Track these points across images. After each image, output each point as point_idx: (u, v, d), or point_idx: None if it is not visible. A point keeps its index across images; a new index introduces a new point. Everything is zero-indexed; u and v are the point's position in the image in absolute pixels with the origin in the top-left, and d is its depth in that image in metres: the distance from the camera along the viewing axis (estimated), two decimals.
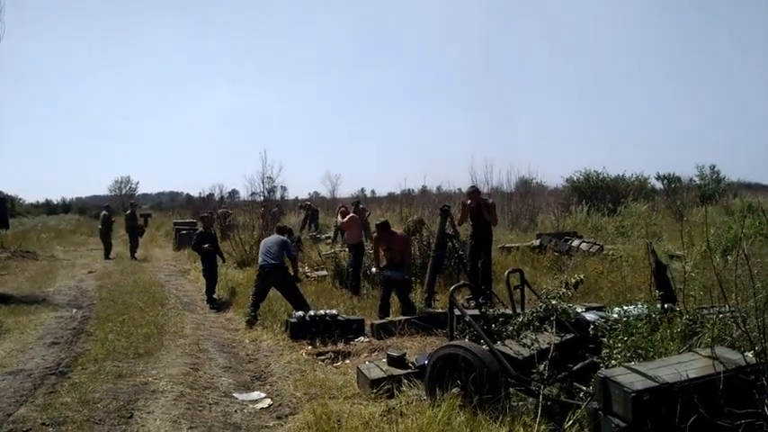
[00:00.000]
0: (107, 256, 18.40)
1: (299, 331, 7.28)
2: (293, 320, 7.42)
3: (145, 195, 76.98)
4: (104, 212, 19.18)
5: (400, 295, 8.17)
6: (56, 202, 62.99)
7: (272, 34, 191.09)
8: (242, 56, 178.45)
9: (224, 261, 11.82)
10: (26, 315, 9.21)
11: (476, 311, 5.63)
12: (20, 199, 54.04)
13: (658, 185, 30.87)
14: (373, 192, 57.76)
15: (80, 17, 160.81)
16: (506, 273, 5.73)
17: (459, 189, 14.20)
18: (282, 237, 9.09)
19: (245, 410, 5.05)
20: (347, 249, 11.27)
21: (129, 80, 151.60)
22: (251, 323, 8.25)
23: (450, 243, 9.12)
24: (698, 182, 31.49)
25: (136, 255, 18.51)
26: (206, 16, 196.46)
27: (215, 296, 10.60)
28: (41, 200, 62.60)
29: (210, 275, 10.63)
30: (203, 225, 11.18)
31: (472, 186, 10.01)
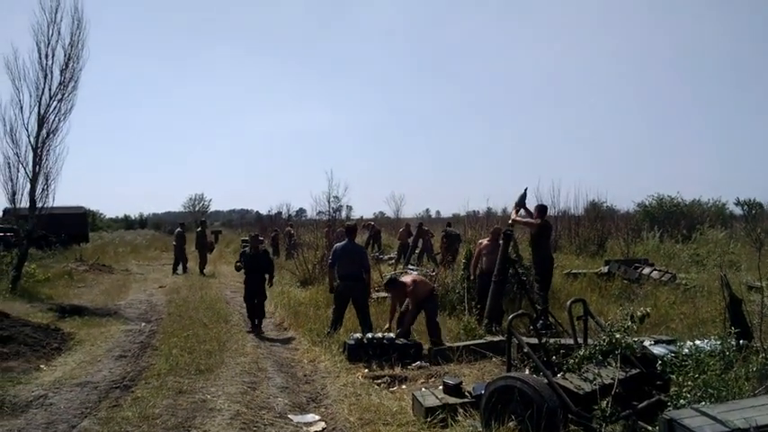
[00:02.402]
0: (174, 271, 19.15)
1: (356, 353, 7.27)
2: (351, 342, 7.41)
3: (217, 213, 79.83)
4: (178, 230, 20.00)
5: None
6: (133, 218, 65.94)
7: (339, 55, 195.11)
8: (311, 78, 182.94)
9: (270, 285, 10.72)
10: (98, 327, 9.62)
11: (535, 341, 5.45)
12: (101, 214, 57.04)
13: (738, 211, 29.43)
14: (438, 212, 57.61)
15: (158, 42, 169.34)
16: (568, 302, 5.52)
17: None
18: (360, 246, 8.96)
19: None
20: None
21: (205, 102, 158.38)
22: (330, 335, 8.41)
23: (512, 269, 8.89)
24: None
25: (205, 271, 19.08)
26: (274, 41, 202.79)
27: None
28: (120, 215, 65.73)
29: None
30: (251, 245, 10.66)
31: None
